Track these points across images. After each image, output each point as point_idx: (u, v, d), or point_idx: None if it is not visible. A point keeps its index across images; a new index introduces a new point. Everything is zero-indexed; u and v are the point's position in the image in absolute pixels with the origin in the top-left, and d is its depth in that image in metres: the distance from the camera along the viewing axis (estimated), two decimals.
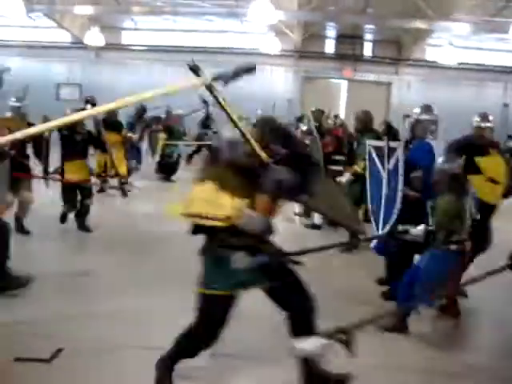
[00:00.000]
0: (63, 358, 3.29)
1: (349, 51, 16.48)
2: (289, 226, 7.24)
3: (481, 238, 4.43)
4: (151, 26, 16.79)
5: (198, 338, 2.95)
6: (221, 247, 2.74)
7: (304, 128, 8.60)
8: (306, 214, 7.55)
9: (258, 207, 2.72)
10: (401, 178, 4.47)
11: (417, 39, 15.13)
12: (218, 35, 16.40)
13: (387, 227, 4.56)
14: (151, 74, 16.07)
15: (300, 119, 12.39)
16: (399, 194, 4.48)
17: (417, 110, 5.06)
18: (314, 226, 7.37)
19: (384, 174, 4.77)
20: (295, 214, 7.71)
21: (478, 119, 5.09)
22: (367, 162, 5.17)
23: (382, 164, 4.81)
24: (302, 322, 2.91)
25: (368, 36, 16.52)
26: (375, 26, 15.12)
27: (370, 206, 5.06)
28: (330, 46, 16.77)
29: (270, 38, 14.06)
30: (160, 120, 11.86)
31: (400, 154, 4.53)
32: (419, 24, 13.52)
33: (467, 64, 16.09)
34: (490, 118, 5.17)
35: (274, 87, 16.58)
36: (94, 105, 8.52)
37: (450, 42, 14.76)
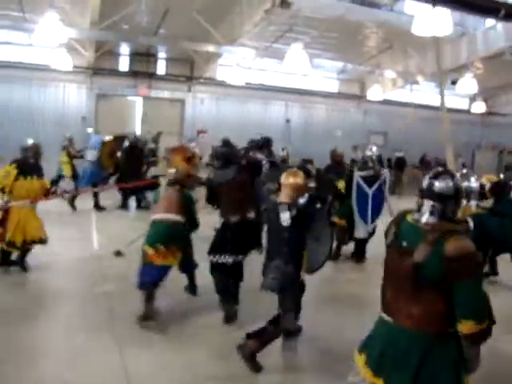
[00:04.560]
0: None
1: (143, 69, 16.63)
2: None
3: None
4: None
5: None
6: None
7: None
8: None
9: None
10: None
11: (208, 60, 15.98)
12: (4, 47, 15.12)
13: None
14: None
15: None
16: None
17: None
18: None
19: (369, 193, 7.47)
20: None
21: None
22: (354, 186, 7.49)
23: (369, 187, 7.46)
24: None
25: (161, 54, 16.87)
26: (168, 46, 15.54)
27: (356, 211, 7.52)
28: (124, 64, 16.70)
29: (61, 54, 13.46)
30: None
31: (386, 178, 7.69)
32: (209, 47, 14.36)
33: (253, 84, 17.52)
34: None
35: (68, 104, 15.96)
36: None
37: (238, 63, 15.95)
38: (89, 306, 5.52)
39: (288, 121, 19.05)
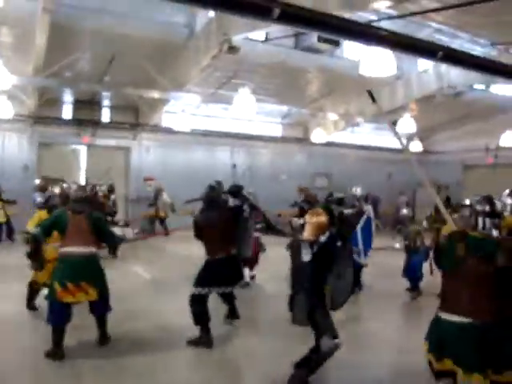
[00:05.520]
0: None
1: (87, 116, 16.39)
2: None
3: None
4: None
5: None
6: None
7: None
8: None
9: None
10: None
11: (154, 106, 15.99)
12: None
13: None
14: None
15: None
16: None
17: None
18: None
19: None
20: None
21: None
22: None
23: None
24: None
25: (106, 102, 16.72)
26: (112, 93, 15.45)
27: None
28: (67, 111, 16.41)
29: (1, 102, 13.11)
30: None
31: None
32: (155, 94, 14.40)
33: (198, 130, 17.62)
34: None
35: (8, 153, 15.43)
36: None
37: (183, 109, 16.05)
38: None
39: (234, 166, 19.18)
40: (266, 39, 13.66)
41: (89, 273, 5.38)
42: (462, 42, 12.88)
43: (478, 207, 3.94)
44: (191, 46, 12.71)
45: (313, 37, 13.47)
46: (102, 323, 5.63)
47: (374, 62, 8.10)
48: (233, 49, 10.70)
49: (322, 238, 4.45)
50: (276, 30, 13.00)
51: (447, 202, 14.99)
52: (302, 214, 15.02)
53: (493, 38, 12.62)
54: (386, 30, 7.44)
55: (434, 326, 3.66)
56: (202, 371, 5.18)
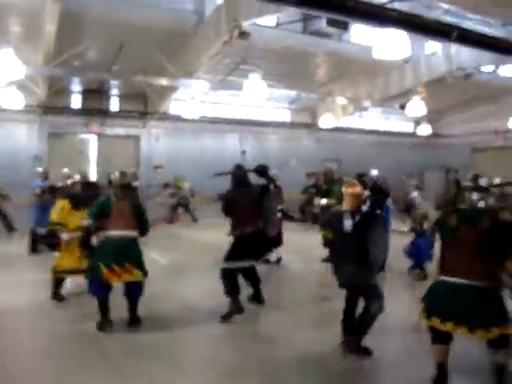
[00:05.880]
0: None
1: (96, 106, 16.41)
2: None
3: None
4: None
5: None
6: None
7: None
8: None
9: None
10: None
11: (162, 94, 15.97)
12: None
13: None
14: None
15: None
16: None
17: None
18: None
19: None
20: None
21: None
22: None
23: None
24: None
25: (114, 91, 16.73)
26: (121, 81, 15.44)
27: None
28: (76, 101, 16.43)
29: (12, 93, 13.13)
30: None
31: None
32: (164, 81, 14.39)
33: (207, 117, 17.62)
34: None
35: (18, 144, 15.49)
36: None
37: (193, 97, 16.04)
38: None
39: (243, 152, 19.19)
40: (277, 25, 13.60)
41: (132, 255, 5.69)
42: (471, 24, 12.78)
43: (467, 184, 4.62)
44: (200, 33, 12.66)
45: (321, 21, 13.39)
46: (134, 306, 5.82)
47: (387, 44, 8.06)
48: (243, 34, 10.65)
49: (364, 208, 4.75)
50: (285, 14, 12.98)
51: (457, 184, 14.98)
52: (310, 198, 15.17)
53: (504, 18, 12.53)
54: (399, 11, 7.41)
55: (434, 289, 4.19)
56: (235, 344, 5.46)
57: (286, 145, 20.01)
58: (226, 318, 6.07)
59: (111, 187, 6.43)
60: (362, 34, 15.30)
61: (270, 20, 13.30)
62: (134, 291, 5.78)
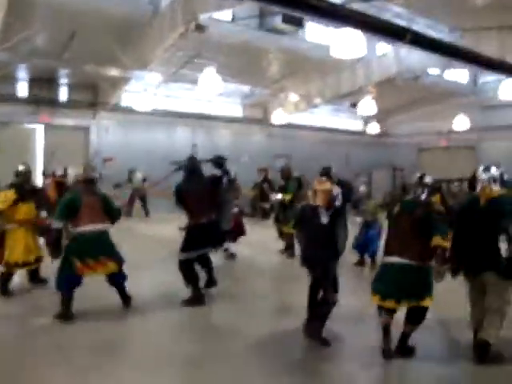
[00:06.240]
0: None
1: (44, 95, 15.88)
2: None
3: None
4: None
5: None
6: None
7: None
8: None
9: None
10: None
11: (114, 85, 15.65)
12: None
13: None
14: None
15: None
16: None
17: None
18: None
19: None
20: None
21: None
22: None
23: None
24: None
25: (64, 80, 16.23)
26: (72, 70, 15.01)
27: None
28: (23, 89, 15.85)
29: None
30: None
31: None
32: (116, 72, 14.11)
33: (159, 110, 17.40)
34: None
35: None
36: None
37: (145, 89, 15.82)
38: None
39: (195, 146, 19.06)
40: (233, 19, 13.60)
41: (106, 247, 5.80)
42: (419, 27, 13.23)
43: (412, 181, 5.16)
44: (156, 24, 12.49)
45: (277, 18, 13.51)
46: (122, 290, 6.07)
47: (344, 43, 8.25)
48: (200, 28, 10.61)
49: (337, 203, 5.14)
50: (242, 10, 13.01)
51: (403, 186, 15.51)
52: (262, 193, 15.28)
53: (452, 23, 13.05)
54: (357, 12, 7.60)
55: (378, 271, 4.91)
56: (193, 336, 5.47)
57: (237, 140, 20.03)
58: (186, 303, 6.21)
59: (77, 183, 6.23)
60: (316, 33, 15.52)
61: (226, 14, 13.29)
62: (116, 279, 5.98)
